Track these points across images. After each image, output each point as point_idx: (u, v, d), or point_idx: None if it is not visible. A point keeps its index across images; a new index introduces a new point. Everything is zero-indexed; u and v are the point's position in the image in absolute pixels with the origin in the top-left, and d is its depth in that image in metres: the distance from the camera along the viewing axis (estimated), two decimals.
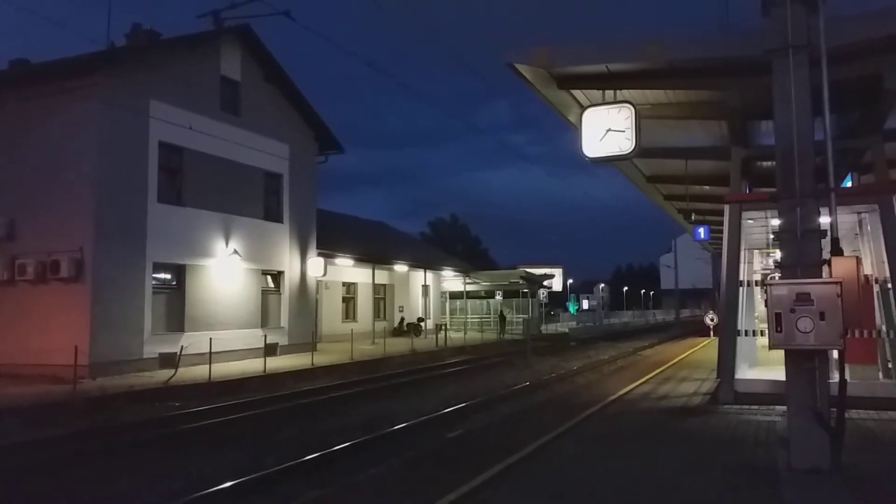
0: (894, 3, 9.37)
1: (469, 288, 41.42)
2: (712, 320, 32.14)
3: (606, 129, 9.49)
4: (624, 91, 10.49)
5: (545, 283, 50.12)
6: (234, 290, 21.05)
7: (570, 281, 72.58)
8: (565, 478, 7.14)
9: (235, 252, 20.99)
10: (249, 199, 22.08)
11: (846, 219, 12.27)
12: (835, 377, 6.90)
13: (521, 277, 45.61)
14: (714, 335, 27.67)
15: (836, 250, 6.81)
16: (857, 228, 13.00)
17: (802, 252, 6.63)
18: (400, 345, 26.95)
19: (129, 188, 17.81)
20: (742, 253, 12.68)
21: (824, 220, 6.94)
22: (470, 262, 48.73)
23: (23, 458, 9.17)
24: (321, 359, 20.77)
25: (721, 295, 12.86)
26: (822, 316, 6.23)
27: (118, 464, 9.08)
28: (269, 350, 19.97)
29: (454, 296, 43.52)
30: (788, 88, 6.75)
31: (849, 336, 6.92)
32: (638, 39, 10.60)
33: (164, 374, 16.46)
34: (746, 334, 12.93)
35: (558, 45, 10.76)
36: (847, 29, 8.67)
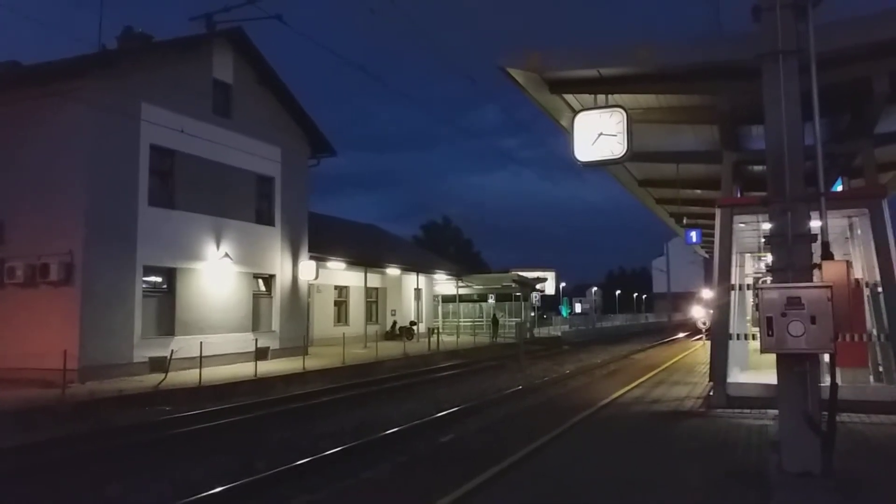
0: (885, 7, 9.43)
1: (462, 291, 41.40)
2: (704, 323, 32.27)
3: (598, 134, 9.51)
4: (616, 95, 10.53)
5: (538, 286, 50.31)
6: (225, 294, 20.96)
7: (563, 284, 72.72)
8: (558, 482, 7.14)
9: (227, 255, 20.91)
10: (241, 202, 22.00)
11: (836, 223, 12.33)
12: (826, 381, 6.91)
13: (514, 281, 45.77)
14: (706, 338, 27.74)
15: (827, 254, 6.82)
16: (848, 232, 13.07)
17: (793, 256, 6.65)
18: (392, 348, 26.91)
19: (119, 191, 17.72)
20: (734, 257, 12.72)
21: (815, 224, 6.95)
22: (462, 265, 48.72)
23: (9, 462, 9.07)
24: (313, 363, 20.70)
25: (713, 299, 12.88)
26: (812, 320, 6.24)
27: (106, 468, 9.00)
28: (261, 354, 19.93)
29: (447, 299, 43.49)
30: (779, 93, 6.77)
31: (840, 340, 6.92)
32: (629, 44, 10.62)
33: (154, 379, 16.37)
34: (738, 338, 12.97)
35: (550, 49, 10.77)
36: (837, 34, 8.71)
